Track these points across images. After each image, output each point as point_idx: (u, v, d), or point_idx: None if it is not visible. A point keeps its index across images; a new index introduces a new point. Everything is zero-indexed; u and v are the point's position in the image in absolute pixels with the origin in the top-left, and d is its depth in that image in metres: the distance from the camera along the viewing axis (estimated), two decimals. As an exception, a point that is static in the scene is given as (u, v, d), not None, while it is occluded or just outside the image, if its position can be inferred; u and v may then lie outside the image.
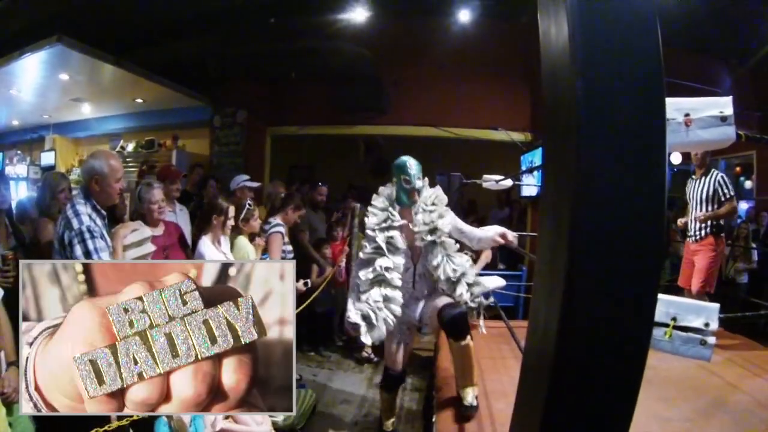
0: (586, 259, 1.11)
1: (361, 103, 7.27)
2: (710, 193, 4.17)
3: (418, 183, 3.04)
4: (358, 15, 6.17)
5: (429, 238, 3.01)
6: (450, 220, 3.12)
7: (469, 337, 2.90)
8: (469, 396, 2.85)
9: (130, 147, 8.66)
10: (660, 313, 1.64)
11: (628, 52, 1.09)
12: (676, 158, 5.13)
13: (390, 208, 3.04)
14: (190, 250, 3.60)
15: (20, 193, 8.25)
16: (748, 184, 7.55)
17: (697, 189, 4.28)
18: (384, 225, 3.02)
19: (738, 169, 7.85)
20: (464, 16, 6.54)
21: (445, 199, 3.17)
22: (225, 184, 5.40)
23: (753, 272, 6.21)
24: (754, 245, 6.29)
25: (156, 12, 6.01)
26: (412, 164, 3.05)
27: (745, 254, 6.20)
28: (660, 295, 1.68)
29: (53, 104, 7.89)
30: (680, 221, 4.54)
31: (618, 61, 1.09)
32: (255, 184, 5.12)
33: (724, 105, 1.36)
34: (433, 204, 3.10)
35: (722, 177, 4.21)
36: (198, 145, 8.33)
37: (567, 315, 1.14)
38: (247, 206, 3.94)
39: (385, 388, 3.33)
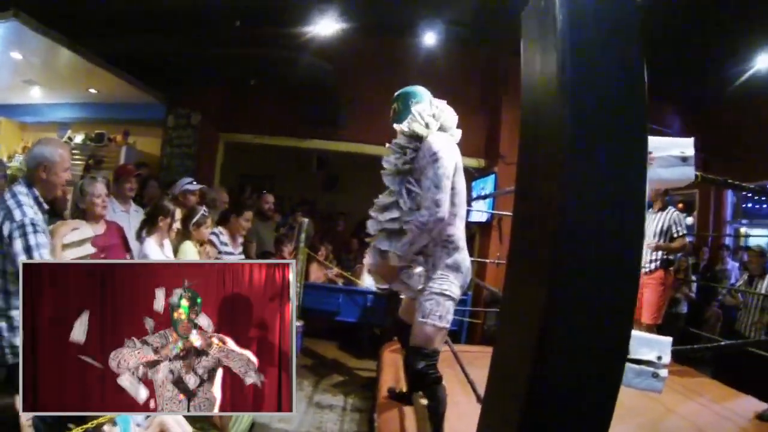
0: (564, 294, 1.11)
1: (318, 117, 7.18)
2: (664, 228, 4.32)
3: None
4: (325, 29, 6.08)
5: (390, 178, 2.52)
6: (436, 174, 2.43)
7: (434, 396, 2.49)
8: None
9: (79, 138, 8.22)
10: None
11: (615, 92, 1.12)
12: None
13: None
14: (132, 253, 3.44)
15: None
16: (689, 220, 7.89)
17: (652, 223, 4.41)
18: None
19: (681, 205, 8.20)
20: (430, 39, 6.56)
21: (436, 144, 2.45)
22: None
23: (692, 302, 6.47)
24: (694, 277, 6.55)
25: (120, 2, 5.75)
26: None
27: (685, 286, 6.44)
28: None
29: (2, 84, 7.34)
30: None
31: (604, 95, 1.11)
32: (196, 187, 4.93)
33: (686, 146, 1.39)
34: (411, 139, 2.53)
35: (677, 215, 4.38)
36: (149, 144, 8.01)
37: (541, 354, 1.12)
38: (202, 212, 3.81)
39: None
